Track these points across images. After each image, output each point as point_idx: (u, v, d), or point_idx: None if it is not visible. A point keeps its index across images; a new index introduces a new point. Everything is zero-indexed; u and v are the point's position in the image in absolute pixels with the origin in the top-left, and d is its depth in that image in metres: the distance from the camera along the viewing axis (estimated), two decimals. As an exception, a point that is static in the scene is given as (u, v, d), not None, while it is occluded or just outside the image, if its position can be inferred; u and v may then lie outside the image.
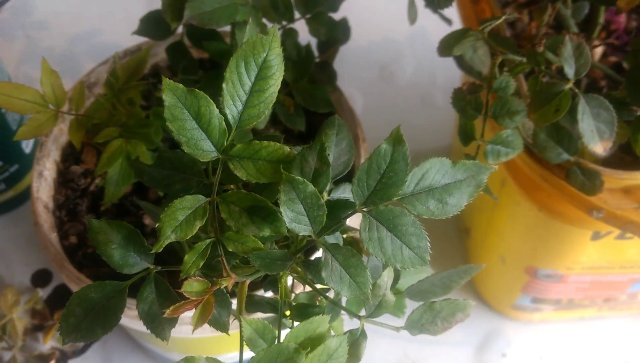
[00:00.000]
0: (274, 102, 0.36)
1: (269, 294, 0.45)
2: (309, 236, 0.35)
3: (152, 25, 0.52)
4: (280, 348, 0.35)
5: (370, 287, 0.35)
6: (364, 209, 0.34)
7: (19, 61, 0.89)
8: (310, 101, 0.53)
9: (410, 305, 0.44)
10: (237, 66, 0.35)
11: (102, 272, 0.53)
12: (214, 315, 0.38)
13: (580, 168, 0.46)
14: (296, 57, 0.54)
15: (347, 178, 0.39)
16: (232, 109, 0.35)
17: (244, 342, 0.36)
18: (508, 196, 0.57)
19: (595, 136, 0.40)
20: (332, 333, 0.41)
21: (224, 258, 0.36)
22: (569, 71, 0.40)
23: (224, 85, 0.35)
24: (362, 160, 0.53)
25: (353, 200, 0.34)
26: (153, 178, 0.41)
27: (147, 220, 0.55)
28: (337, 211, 0.35)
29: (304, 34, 0.55)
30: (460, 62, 0.47)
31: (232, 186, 0.39)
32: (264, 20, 0.50)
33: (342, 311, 0.42)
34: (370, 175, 0.34)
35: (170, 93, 0.34)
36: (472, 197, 0.35)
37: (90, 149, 0.53)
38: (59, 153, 0.58)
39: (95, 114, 0.50)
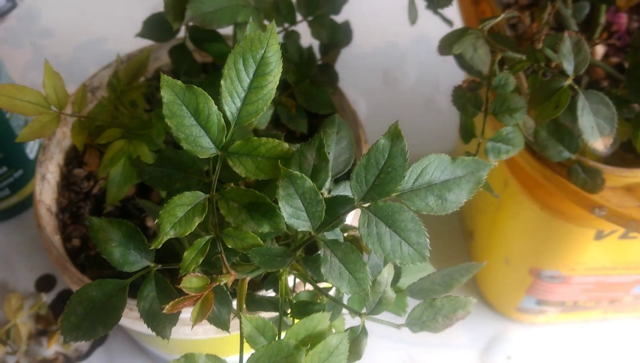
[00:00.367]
0: (272, 99, 0.36)
1: (271, 294, 0.45)
2: (308, 232, 0.35)
3: (155, 27, 0.52)
4: (281, 345, 0.35)
5: (370, 283, 0.35)
6: (363, 205, 0.34)
7: (25, 68, 0.89)
8: (312, 103, 0.53)
9: (412, 304, 0.44)
10: (235, 63, 0.35)
11: (104, 274, 0.53)
12: (215, 312, 0.38)
13: (582, 166, 0.46)
14: (298, 59, 0.54)
15: (348, 176, 0.39)
16: (231, 106, 0.35)
17: (245, 340, 0.36)
18: (511, 197, 0.57)
19: (596, 132, 0.40)
20: (333, 331, 0.41)
21: (223, 255, 0.36)
22: (568, 67, 0.40)
23: (222, 82, 0.35)
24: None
25: (352, 196, 0.34)
26: (153, 177, 0.41)
27: (150, 222, 0.55)
28: (336, 207, 0.35)
29: (306, 37, 0.55)
30: (461, 61, 0.47)
31: (232, 185, 0.39)
32: (266, 23, 0.50)
33: (344, 311, 0.42)
34: (368, 170, 0.34)
35: (169, 90, 0.34)
36: (471, 193, 0.35)
37: (93, 151, 0.53)
38: (62, 157, 0.59)
39: (97, 116, 0.50)
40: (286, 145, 0.36)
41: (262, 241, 0.36)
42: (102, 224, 0.38)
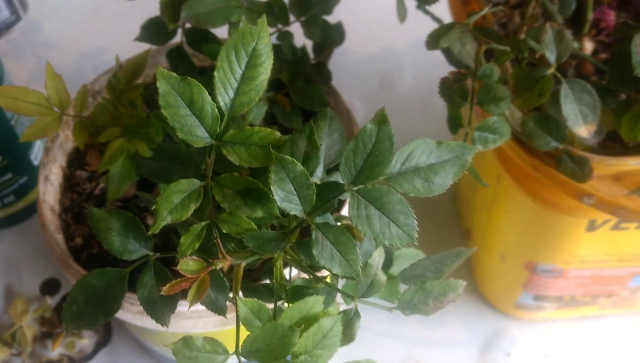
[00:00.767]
0: (264, 89, 0.37)
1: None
2: (301, 218, 0.36)
3: (153, 31, 0.54)
4: (275, 326, 0.36)
5: (361, 265, 0.36)
6: (353, 188, 0.35)
7: (28, 80, 0.91)
8: (307, 101, 0.55)
9: (406, 292, 0.45)
10: (227, 55, 0.36)
11: (106, 271, 0.55)
12: (212, 298, 0.39)
13: (570, 155, 0.47)
14: (292, 58, 0.55)
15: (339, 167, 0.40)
16: (224, 96, 0.37)
17: (241, 322, 0.37)
18: (503, 191, 0.58)
19: (579, 119, 0.41)
20: (328, 317, 0.42)
21: (219, 240, 0.37)
22: (551, 56, 0.41)
23: (215, 73, 0.36)
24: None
25: (342, 182, 0.36)
26: (151, 170, 0.42)
27: (150, 220, 0.56)
28: (327, 191, 0.36)
29: (300, 37, 0.57)
30: (449, 56, 0.49)
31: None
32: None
33: (339, 300, 0.43)
34: (357, 154, 0.35)
35: (164, 81, 0.36)
36: (457, 177, 0.36)
37: (94, 151, 0.55)
38: (65, 159, 0.60)
39: (98, 117, 0.52)
40: (278, 134, 0.37)
41: (256, 227, 0.37)
42: (102, 214, 0.40)
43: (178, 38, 0.54)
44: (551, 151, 0.47)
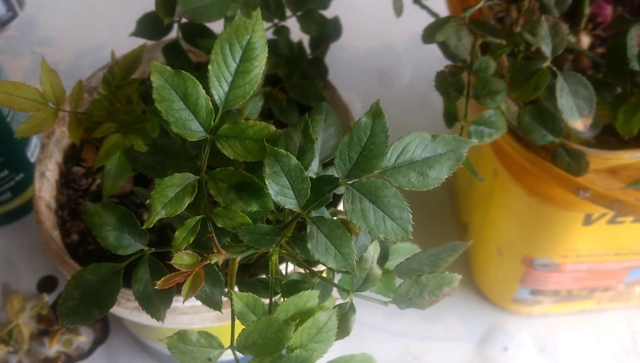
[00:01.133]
0: (259, 83, 0.37)
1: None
2: (296, 212, 0.36)
3: (148, 25, 0.54)
4: (270, 320, 0.36)
5: (356, 259, 0.36)
6: (347, 182, 0.35)
7: (25, 77, 0.91)
8: (303, 95, 0.55)
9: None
10: (222, 48, 0.36)
11: (102, 267, 0.54)
12: (207, 293, 0.39)
13: (566, 149, 0.47)
14: (288, 53, 0.55)
15: (335, 161, 0.40)
16: (218, 90, 0.37)
17: (236, 317, 0.37)
18: (500, 186, 0.58)
19: (575, 112, 0.41)
20: (323, 311, 0.42)
21: (213, 234, 0.37)
22: (546, 49, 0.41)
23: (209, 66, 0.36)
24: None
25: (337, 175, 0.36)
26: (146, 165, 0.42)
27: (147, 216, 0.56)
28: (322, 185, 0.36)
29: (296, 32, 0.57)
30: (445, 50, 0.48)
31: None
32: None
33: (335, 295, 0.43)
34: (351, 148, 0.35)
35: (158, 75, 0.36)
36: (452, 170, 0.36)
37: (90, 147, 0.54)
38: (61, 155, 0.60)
39: (94, 112, 0.51)
40: (273, 128, 0.37)
41: (251, 221, 0.37)
42: (97, 209, 0.40)
43: (174, 33, 0.54)
44: (547, 144, 0.47)
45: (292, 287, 0.39)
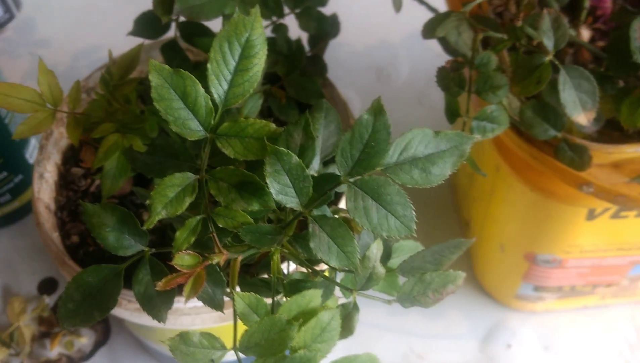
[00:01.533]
0: (258, 81, 0.37)
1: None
2: (298, 211, 0.36)
3: (146, 25, 0.53)
4: (273, 320, 0.36)
5: (359, 257, 0.35)
6: (349, 179, 0.35)
7: (23, 78, 0.90)
8: (302, 93, 0.54)
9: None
10: (221, 46, 0.36)
11: (103, 268, 0.54)
12: (209, 293, 0.39)
13: (568, 143, 0.46)
14: (287, 51, 0.55)
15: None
16: (218, 89, 0.36)
17: (238, 317, 0.37)
18: (502, 181, 0.58)
19: (578, 106, 0.41)
20: (327, 310, 0.42)
21: (214, 234, 0.37)
22: (548, 43, 0.41)
23: (208, 65, 0.36)
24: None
25: (339, 173, 0.35)
26: (146, 165, 0.42)
27: (147, 216, 0.56)
28: (324, 183, 0.36)
29: (295, 29, 0.56)
30: (446, 45, 0.48)
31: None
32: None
33: (337, 294, 0.43)
34: (353, 145, 0.34)
35: (157, 74, 0.35)
36: (455, 166, 0.36)
37: (89, 148, 0.54)
38: (59, 156, 0.59)
39: (92, 113, 0.51)
40: (273, 126, 0.37)
41: (252, 220, 0.37)
42: (96, 209, 0.39)
43: (172, 32, 0.54)
44: (550, 139, 0.47)
45: (294, 287, 0.39)
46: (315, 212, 0.36)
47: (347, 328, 0.39)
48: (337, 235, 0.35)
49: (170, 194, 0.36)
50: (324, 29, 0.55)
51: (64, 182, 0.59)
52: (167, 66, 0.36)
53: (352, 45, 0.92)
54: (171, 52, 0.55)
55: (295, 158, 0.35)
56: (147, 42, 0.57)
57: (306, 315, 0.37)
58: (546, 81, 0.40)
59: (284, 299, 0.40)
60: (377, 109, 0.34)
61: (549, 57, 0.41)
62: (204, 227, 0.37)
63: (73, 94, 0.51)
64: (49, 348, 0.70)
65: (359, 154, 0.34)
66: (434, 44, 0.57)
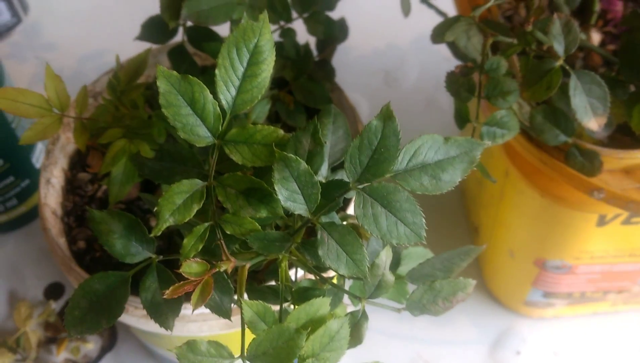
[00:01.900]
0: (266, 87, 0.36)
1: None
2: (306, 217, 0.35)
3: (153, 29, 0.53)
4: (281, 329, 0.35)
5: (368, 265, 0.35)
6: (358, 186, 0.34)
7: (30, 82, 0.90)
8: (310, 98, 0.54)
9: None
10: (229, 52, 0.36)
11: (110, 274, 0.54)
12: (216, 301, 0.38)
13: (579, 149, 0.46)
14: (295, 56, 0.55)
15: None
16: (226, 95, 0.36)
17: (246, 325, 0.36)
18: (512, 186, 0.57)
19: (589, 111, 0.41)
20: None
21: (222, 241, 0.36)
22: (559, 48, 0.40)
23: (216, 71, 0.35)
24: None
25: (347, 179, 0.35)
26: (153, 171, 0.41)
27: (154, 222, 0.55)
28: (332, 190, 0.36)
29: (302, 34, 0.56)
30: (455, 50, 0.48)
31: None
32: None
33: (346, 301, 0.42)
34: (362, 151, 0.34)
35: (165, 80, 0.35)
36: (465, 173, 0.35)
37: (95, 153, 0.54)
38: (66, 161, 0.59)
39: (99, 118, 0.51)
40: (281, 132, 0.36)
41: (260, 227, 0.36)
42: (103, 216, 0.39)
43: (179, 37, 0.54)
44: (560, 145, 0.47)
45: (302, 294, 0.38)
46: (324, 219, 0.36)
47: (355, 337, 0.39)
48: (346, 242, 0.35)
49: (178, 201, 0.36)
50: (332, 33, 0.55)
51: (71, 187, 0.59)
52: (175, 72, 0.35)
53: (360, 49, 0.91)
54: (179, 57, 0.54)
55: (303, 164, 0.34)
56: (154, 46, 0.57)
57: (314, 324, 0.37)
58: (557, 86, 0.40)
59: (292, 307, 0.40)
60: (387, 115, 0.34)
61: (559, 62, 0.41)
62: (212, 234, 0.37)
63: (80, 99, 0.50)
64: (55, 353, 0.70)
65: (368, 161, 0.34)
66: (442, 48, 0.56)
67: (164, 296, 0.34)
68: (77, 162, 0.60)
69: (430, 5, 0.54)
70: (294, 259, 0.39)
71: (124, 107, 0.50)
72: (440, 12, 0.54)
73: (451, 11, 0.58)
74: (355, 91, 0.86)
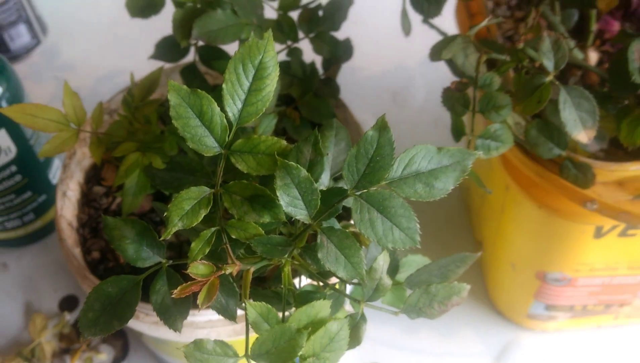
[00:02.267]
0: (270, 100, 0.39)
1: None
2: (307, 223, 0.37)
3: (167, 49, 0.56)
4: (283, 329, 0.37)
5: (366, 268, 0.37)
6: (356, 193, 0.36)
7: (48, 101, 0.93)
8: (315, 114, 0.56)
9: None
10: (235, 68, 0.38)
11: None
12: (222, 303, 0.40)
13: (572, 162, 0.48)
14: (301, 74, 0.57)
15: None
16: (232, 108, 0.38)
17: (250, 326, 0.38)
18: (512, 200, 0.59)
19: (578, 124, 0.42)
20: (336, 322, 0.43)
21: (228, 245, 0.38)
22: (549, 64, 0.42)
23: (223, 85, 0.38)
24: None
25: (346, 187, 0.37)
26: (164, 181, 0.44)
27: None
28: (331, 197, 0.38)
29: (309, 53, 0.59)
30: (453, 67, 0.50)
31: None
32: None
33: (347, 308, 0.44)
34: (359, 160, 0.36)
35: (175, 93, 0.37)
36: (457, 181, 0.37)
37: (110, 166, 0.56)
38: (82, 175, 0.62)
39: (114, 132, 0.53)
40: (284, 142, 0.39)
41: (264, 232, 0.38)
42: (117, 222, 0.41)
43: (192, 56, 0.56)
44: (554, 158, 0.48)
45: (304, 298, 0.40)
46: (324, 224, 0.38)
47: (354, 338, 0.41)
48: (345, 246, 0.37)
49: (186, 207, 0.38)
50: (337, 52, 0.58)
51: (86, 200, 0.61)
52: (185, 86, 0.38)
53: (369, 69, 0.94)
54: (191, 75, 0.57)
55: (304, 172, 0.36)
56: (167, 65, 0.59)
57: (315, 325, 0.39)
58: (546, 101, 0.42)
59: (294, 309, 0.42)
60: (382, 126, 0.36)
61: (549, 78, 0.43)
62: (218, 238, 0.39)
63: (96, 114, 0.53)
64: (70, 363, 0.72)
65: (365, 169, 0.36)
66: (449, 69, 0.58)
67: (173, 296, 0.36)
68: (93, 176, 0.63)
69: (432, 26, 0.57)
70: (296, 264, 0.40)
71: (137, 122, 0.53)
72: (441, 32, 0.56)
73: (454, 32, 0.60)
74: (365, 110, 0.88)
